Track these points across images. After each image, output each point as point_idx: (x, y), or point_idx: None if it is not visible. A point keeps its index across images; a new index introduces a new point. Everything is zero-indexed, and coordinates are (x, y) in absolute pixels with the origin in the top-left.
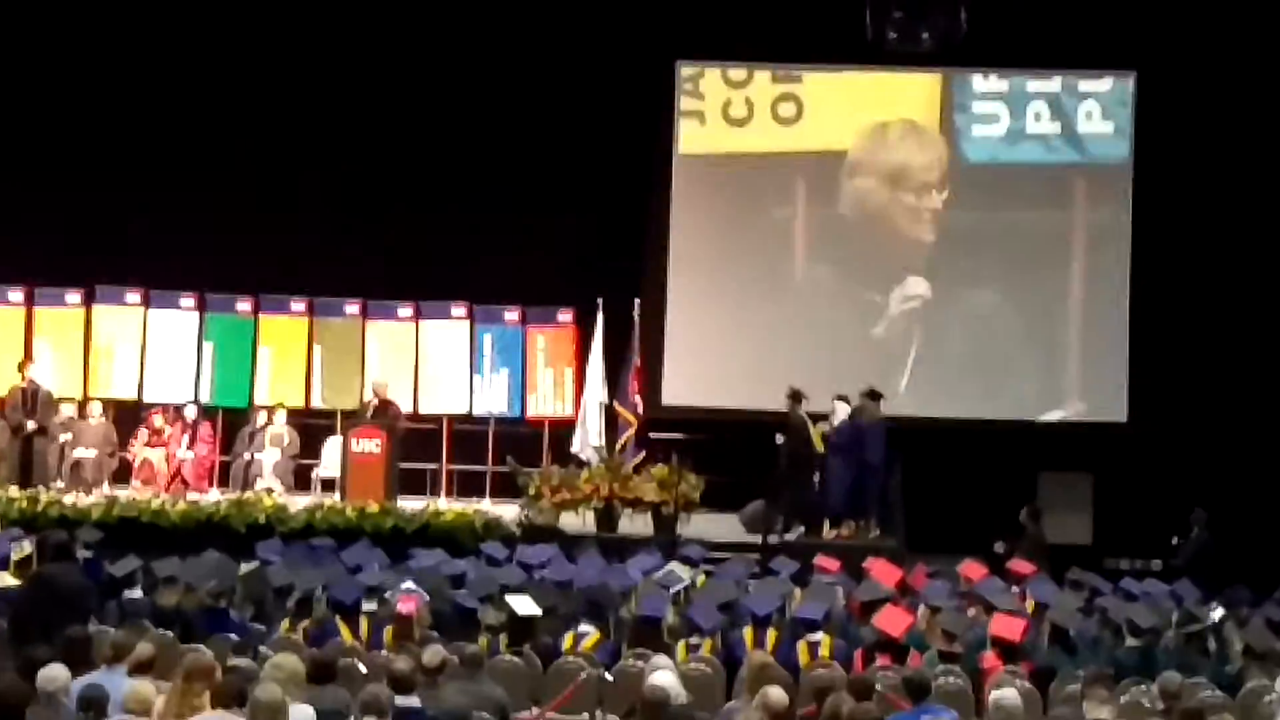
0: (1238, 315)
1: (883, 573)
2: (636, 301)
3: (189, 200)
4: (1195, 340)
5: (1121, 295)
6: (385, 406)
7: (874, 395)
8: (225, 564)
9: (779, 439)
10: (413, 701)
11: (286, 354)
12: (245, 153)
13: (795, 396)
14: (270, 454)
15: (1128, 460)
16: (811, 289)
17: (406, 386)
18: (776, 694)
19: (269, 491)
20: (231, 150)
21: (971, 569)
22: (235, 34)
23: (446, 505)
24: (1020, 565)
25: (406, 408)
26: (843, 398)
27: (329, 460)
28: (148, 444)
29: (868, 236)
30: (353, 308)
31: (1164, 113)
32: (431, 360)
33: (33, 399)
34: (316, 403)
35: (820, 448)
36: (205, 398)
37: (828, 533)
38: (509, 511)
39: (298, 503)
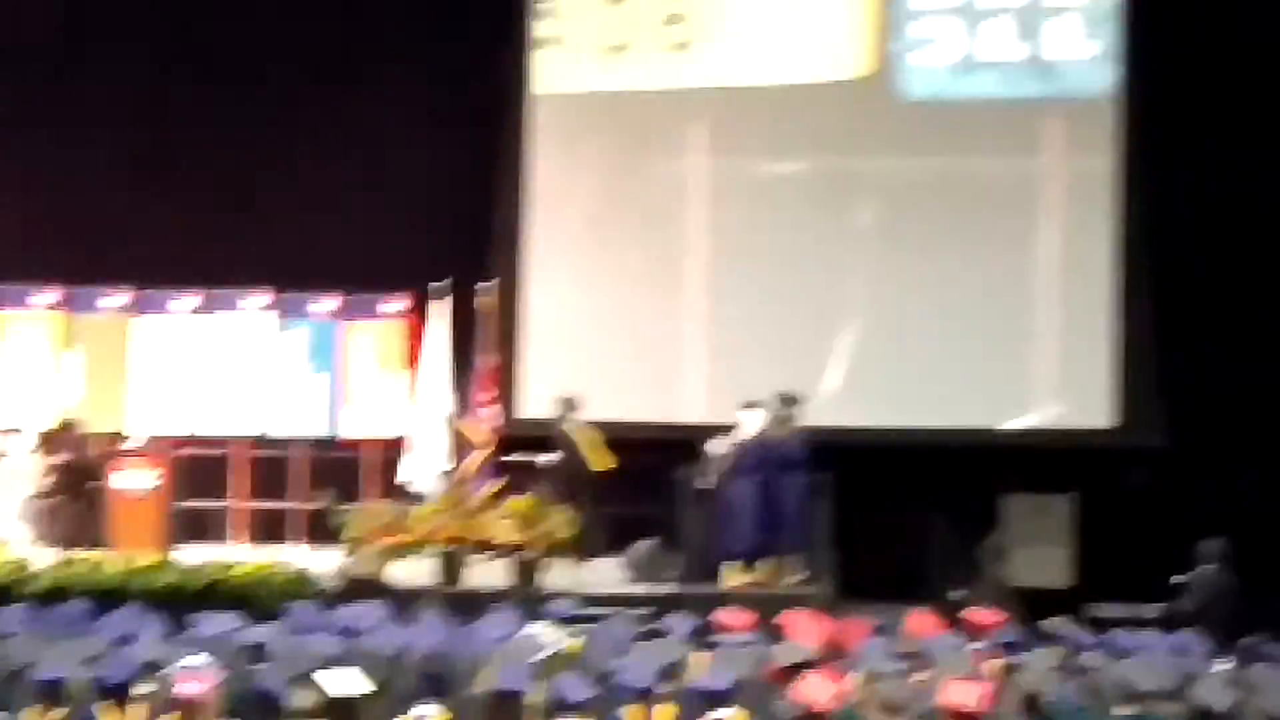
0: (1254, 289)
1: (806, 629)
2: (486, 286)
3: None
4: (1200, 322)
5: (1104, 267)
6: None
7: (790, 401)
8: None
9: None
10: None
11: (31, 362)
12: None
13: (567, 404)
14: (8, 493)
15: (1115, 477)
16: (713, 266)
17: (186, 401)
18: None
19: (6, 543)
20: None
21: (919, 622)
22: None
23: (241, 556)
24: (980, 615)
25: (187, 428)
26: (752, 405)
27: None
28: None
29: (784, 198)
30: (117, 299)
31: (1161, 30)
32: (219, 365)
33: None
34: None
35: (598, 466)
36: None
37: (735, 578)
38: (323, 562)
39: (44, 556)
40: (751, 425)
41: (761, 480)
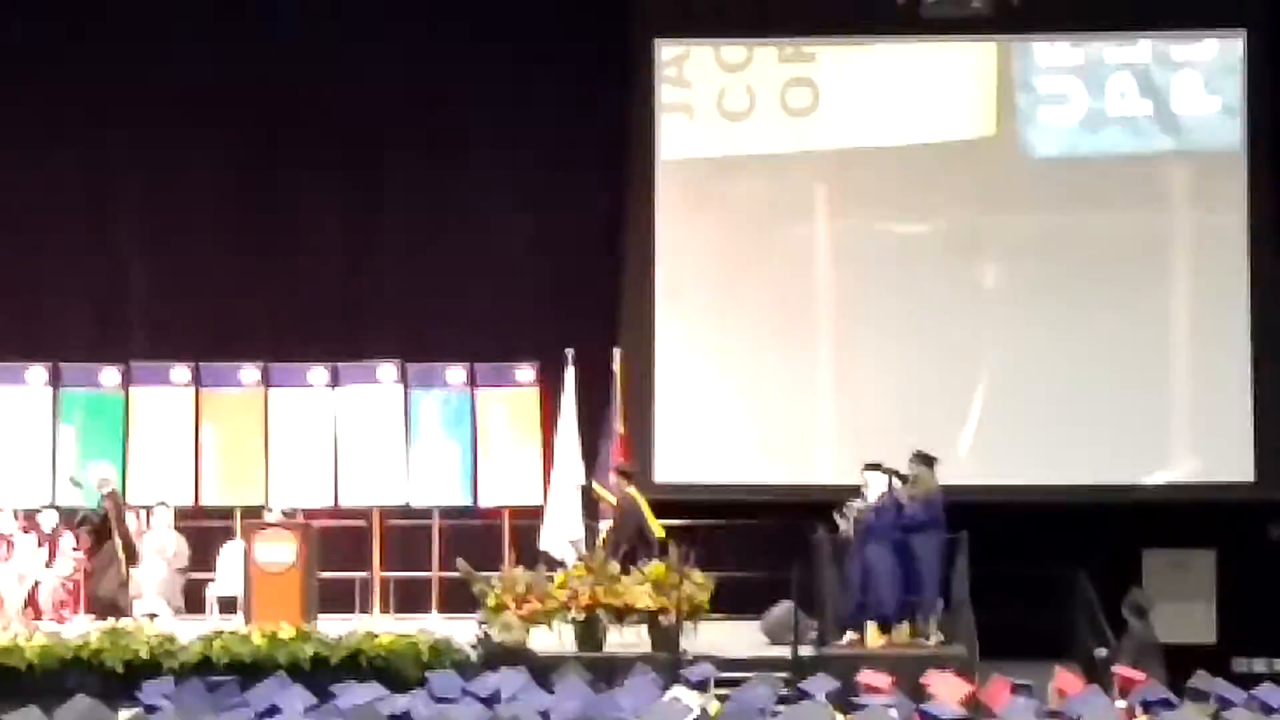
0: None
1: (949, 689)
2: (616, 352)
3: (29, 250)
4: None
5: (1239, 317)
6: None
7: (927, 460)
8: (99, 712)
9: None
10: None
11: (167, 437)
12: (99, 183)
13: (626, 475)
14: (151, 568)
15: (1257, 531)
16: (842, 328)
17: (324, 472)
18: None
19: (151, 617)
20: (81, 184)
21: (1065, 680)
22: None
23: (381, 625)
24: (1126, 673)
25: (325, 500)
26: (875, 466)
27: (227, 573)
28: None
29: (911, 258)
30: (250, 374)
31: None
32: (354, 437)
33: None
34: (209, 499)
35: (660, 534)
36: (64, 499)
37: (874, 640)
38: (463, 630)
39: (189, 630)
40: (876, 485)
41: (899, 540)
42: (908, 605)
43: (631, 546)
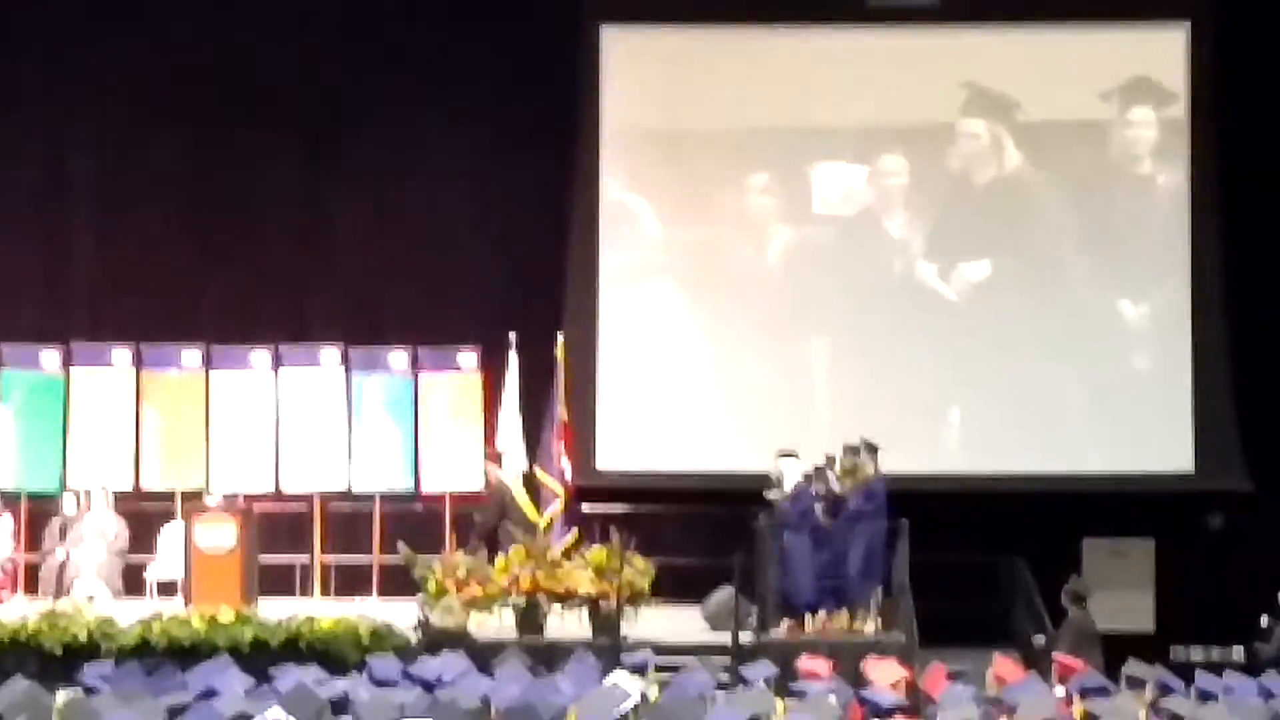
0: None
1: (887, 675)
2: (559, 337)
3: None
4: (1276, 365)
5: (1180, 308)
6: None
7: (870, 448)
8: (36, 694)
9: (773, 496)
10: None
11: (108, 419)
12: (43, 164)
13: (496, 460)
14: (90, 550)
15: (1196, 521)
16: (786, 312)
17: (265, 456)
18: None
19: (90, 599)
20: (26, 164)
21: (1003, 668)
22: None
23: (322, 609)
24: (1064, 660)
25: (266, 483)
26: (789, 454)
27: (167, 556)
28: None
29: (857, 240)
30: (192, 356)
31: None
32: (296, 421)
33: None
34: (149, 482)
35: (535, 519)
36: (2, 480)
37: (814, 626)
38: (403, 615)
39: (128, 612)
40: (790, 474)
41: (839, 527)
42: (848, 592)
43: (493, 530)
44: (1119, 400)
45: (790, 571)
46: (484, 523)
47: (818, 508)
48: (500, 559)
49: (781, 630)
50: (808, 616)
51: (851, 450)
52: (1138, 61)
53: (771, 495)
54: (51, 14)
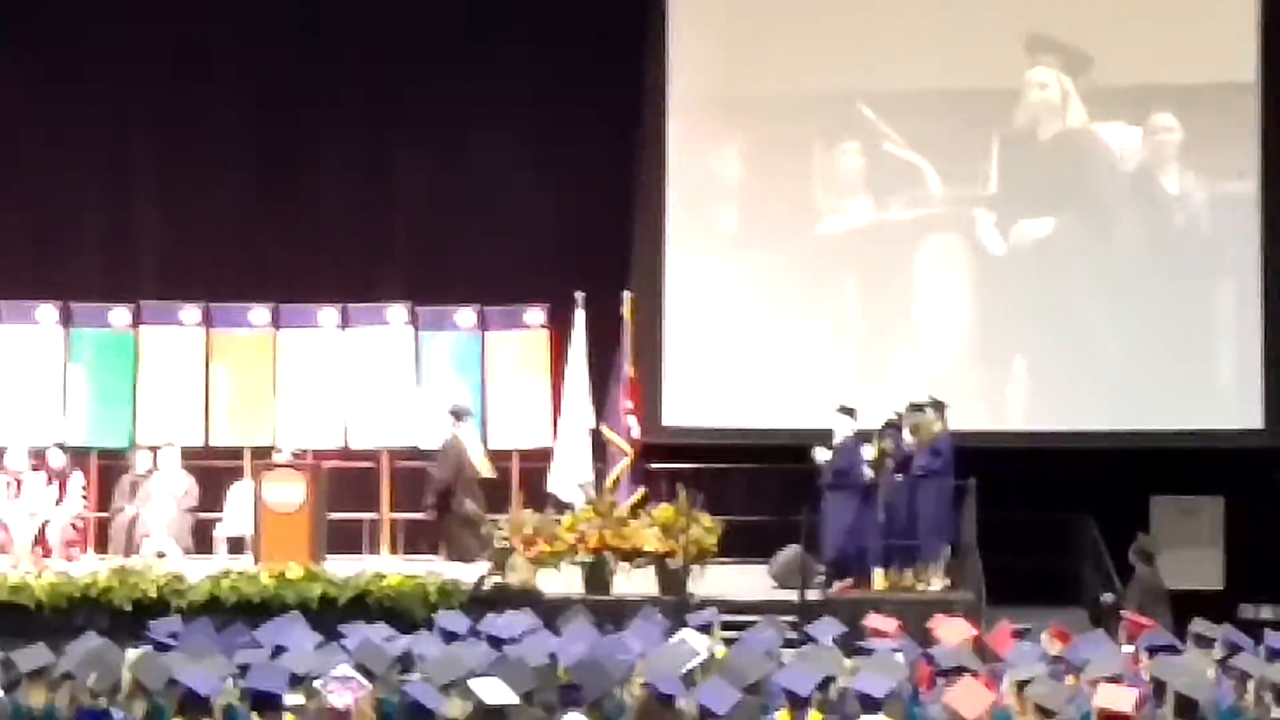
0: None
1: (954, 634)
2: (627, 295)
3: (42, 191)
4: None
5: (1250, 263)
6: None
7: (938, 405)
8: (108, 651)
9: (816, 455)
10: None
11: (177, 377)
12: (113, 125)
13: (455, 415)
14: (160, 508)
15: (1265, 478)
16: (854, 271)
17: (333, 413)
18: None
19: (160, 556)
20: (95, 126)
21: (1067, 625)
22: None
23: (389, 566)
24: (1133, 618)
25: (335, 441)
26: (848, 411)
27: (236, 513)
28: None
29: (928, 202)
30: (260, 315)
31: None
32: (364, 379)
33: None
34: (218, 439)
35: (486, 473)
36: (73, 438)
37: (881, 584)
38: (470, 571)
39: (198, 569)
40: (840, 430)
41: (899, 485)
42: (915, 550)
43: (449, 484)
44: (1188, 356)
45: (832, 530)
46: (441, 479)
47: (865, 465)
48: (567, 517)
49: (834, 589)
50: (876, 573)
51: (916, 408)
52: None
53: (815, 454)
54: None
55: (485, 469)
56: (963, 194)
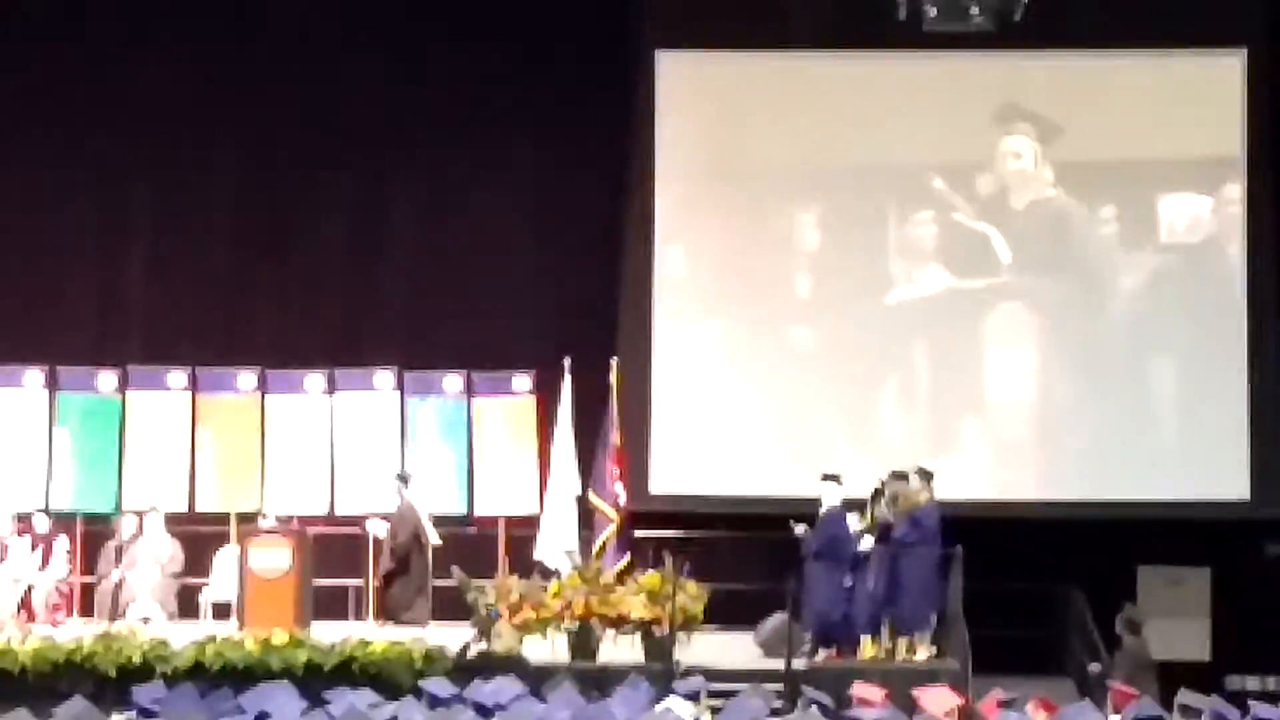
0: None
1: (940, 703)
2: (614, 362)
3: (29, 253)
4: None
5: (1236, 335)
6: None
7: (924, 474)
8: (92, 716)
9: (797, 529)
10: None
11: (163, 442)
12: (100, 188)
13: (403, 480)
14: (145, 573)
15: (1252, 549)
16: (842, 340)
17: (320, 479)
18: None
19: (145, 621)
20: (83, 188)
21: (1052, 696)
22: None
23: (375, 633)
24: (1120, 688)
25: (321, 506)
26: (833, 478)
27: (221, 579)
28: None
29: (914, 269)
30: (247, 380)
31: None
32: (351, 445)
33: None
34: (204, 504)
35: (435, 541)
36: (59, 502)
37: (868, 653)
38: (456, 638)
39: (183, 634)
40: (827, 498)
41: (882, 554)
42: (901, 619)
43: (407, 551)
44: (1174, 428)
45: (816, 599)
46: (402, 543)
47: (855, 534)
48: (554, 584)
49: (820, 658)
50: (864, 641)
51: (899, 476)
52: (1194, 87)
53: (795, 529)
54: (100, 42)
55: (434, 536)
56: (953, 262)
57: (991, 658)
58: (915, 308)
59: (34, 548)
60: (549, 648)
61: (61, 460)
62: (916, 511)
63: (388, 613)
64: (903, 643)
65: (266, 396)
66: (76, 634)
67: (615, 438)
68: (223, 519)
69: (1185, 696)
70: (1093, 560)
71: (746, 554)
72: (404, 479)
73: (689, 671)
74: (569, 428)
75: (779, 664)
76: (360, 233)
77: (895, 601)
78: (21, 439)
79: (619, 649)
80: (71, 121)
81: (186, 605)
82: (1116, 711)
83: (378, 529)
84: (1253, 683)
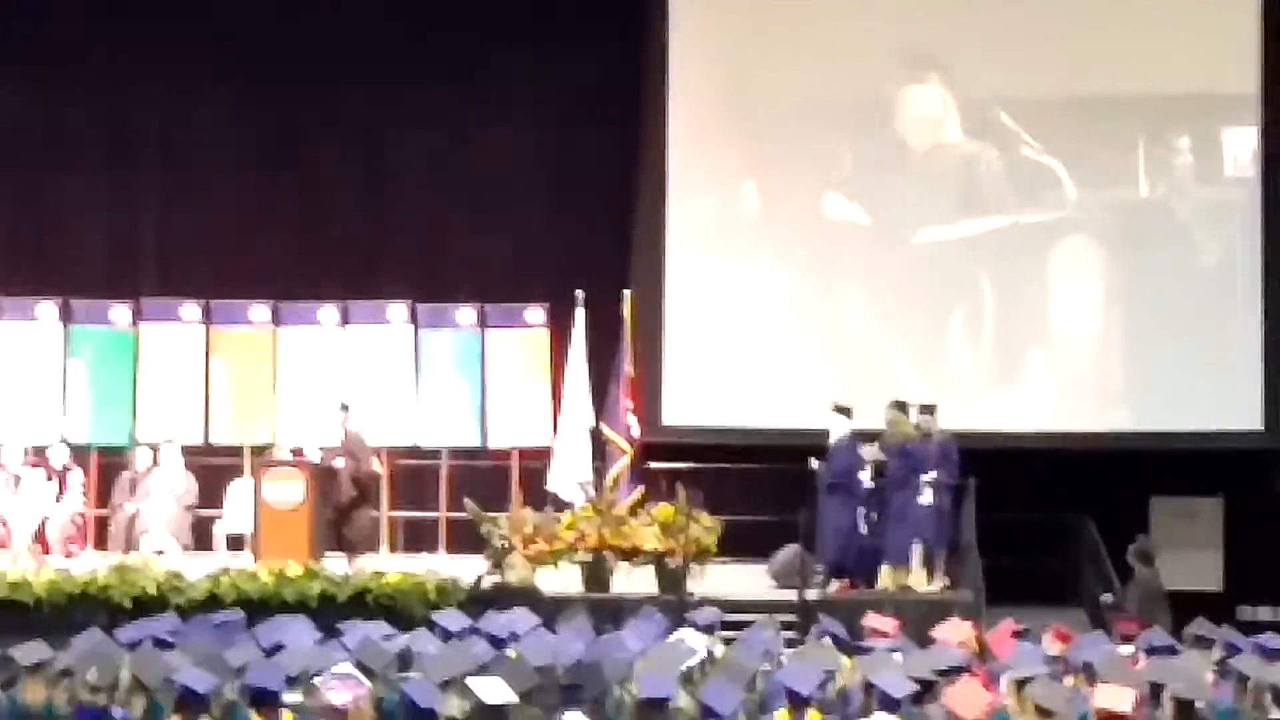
0: None
1: (953, 634)
2: (627, 294)
3: (43, 187)
4: None
5: (1250, 265)
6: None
7: (928, 408)
8: (107, 647)
9: (813, 464)
10: None
11: (177, 374)
12: (114, 122)
13: (344, 408)
14: (160, 505)
15: (1265, 480)
16: (854, 270)
17: (333, 412)
18: None
19: (159, 553)
20: (97, 122)
21: (1067, 626)
22: None
23: (389, 564)
24: (1130, 619)
25: (335, 439)
26: (843, 409)
27: (235, 511)
28: None
29: (928, 198)
30: (260, 312)
31: None
32: (364, 377)
33: None
34: (218, 437)
35: (377, 470)
36: (73, 435)
37: (883, 583)
38: (470, 570)
39: (197, 567)
40: (836, 429)
41: (906, 485)
42: (915, 549)
43: (370, 481)
44: (1187, 358)
45: (829, 530)
46: (367, 472)
47: (865, 466)
48: (567, 516)
49: (833, 589)
50: (882, 570)
51: (898, 406)
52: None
53: (812, 464)
54: None
55: (376, 464)
56: (963, 195)
57: (1004, 589)
58: (931, 240)
59: (49, 480)
60: (562, 579)
61: (76, 393)
62: (907, 443)
63: (347, 545)
64: (921, 573)
65: (280, 329)
66: (91, 566)
67: (628, 370)
68: (236, 451)
69: (1198, 626)
70: (1105, 491)
71: (759, 485)
72: (345, 407)
73: (702, 602)
74: (582, 360)
75: (792, 595)
76: (374, 166)
77: (880, 533)
78: (36, 372)
79: (632, 581)
80: (82, 59)
81: (201, 537)
82: (1128, 641)
83: (335, 460)
84: (1265, 613)
